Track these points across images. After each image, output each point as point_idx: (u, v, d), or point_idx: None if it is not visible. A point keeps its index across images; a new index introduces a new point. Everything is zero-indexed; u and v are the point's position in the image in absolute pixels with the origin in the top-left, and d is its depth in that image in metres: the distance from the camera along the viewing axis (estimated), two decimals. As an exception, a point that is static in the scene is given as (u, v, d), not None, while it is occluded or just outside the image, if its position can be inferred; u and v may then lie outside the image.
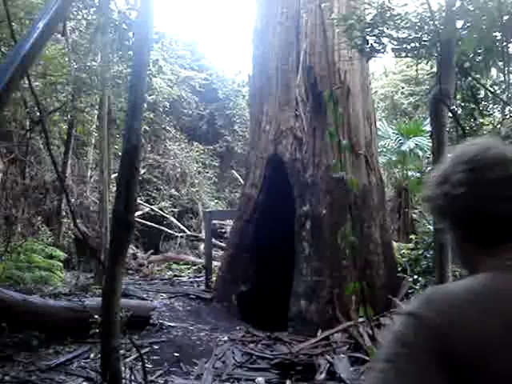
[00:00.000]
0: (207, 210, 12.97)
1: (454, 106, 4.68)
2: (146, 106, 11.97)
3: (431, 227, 6.59)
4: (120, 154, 3.42)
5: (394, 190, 12.54)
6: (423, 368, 0.71)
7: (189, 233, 13.79)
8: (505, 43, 3.87)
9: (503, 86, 5.32)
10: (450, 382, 0.69)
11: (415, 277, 6.07)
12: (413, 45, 3.89)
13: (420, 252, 6.55)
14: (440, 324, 0.73)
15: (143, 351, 4.51)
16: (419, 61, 4.18)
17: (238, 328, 5.70)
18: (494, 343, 0.71)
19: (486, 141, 0.91)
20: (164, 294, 7.50)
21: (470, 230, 0.86)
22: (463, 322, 0.73)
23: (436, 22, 3.52)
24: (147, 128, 13.64)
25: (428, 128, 10.18)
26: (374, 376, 0.75)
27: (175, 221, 14.05)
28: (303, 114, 6.19)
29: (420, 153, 10.90)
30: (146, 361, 4.07)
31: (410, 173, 11.25)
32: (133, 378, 3.59)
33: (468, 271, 0.87)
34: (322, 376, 4.13)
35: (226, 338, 5.25)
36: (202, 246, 12.83)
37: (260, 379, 4.12)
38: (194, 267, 11.24)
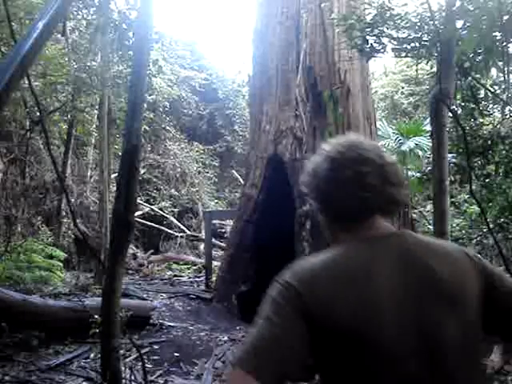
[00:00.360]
0: (207, 210, 12.98)
1: (454, 106, 4.68)
2: (145, 105, 11.97)
3: (431, 227, 6.59)
4: (120, 154, 3.42)
5: (394, 190, 12.52)
6: (288, 320, 0.97)
7: (189, 233, 13.80)
8: (505, 43, 3.87)
9: (503, 86, 5.32)
10: (308, 329, 0.96)
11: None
12: (413, 45, 3.89)
13: (420, 252, 6.53)
14: (300, 290, 0.99)
15: (143, 351, 4.51)
16: (419, 61, 4.18)
17: (237, 328, 5.70)
18: (336, 300, 0.96)
19: (349, 140, 1.13)
20: (164, 294, 7.51)
21: (333, 214, 1.13)
22: (316, 287, 0.99)
23: (436, 22, 3.52)
24: (147, 128, 13.64)
25: (428, 128, 10.18)
26: (253, 330, 0.98)
27: (175, 221, 14.05)
28: (303, 114, 6.19)
29: (420, 153, 10.89)
30: (146, 361, 4.07)
31: (410, 173, 11.25)
32: (133, 378, 3.58)
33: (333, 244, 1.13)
34: (322, 376, 4.13)
35: (225, 338, 5.25)
36: (201, 246, 12.84)
37: (260, 379, 4.11)
38: (194, 267, 11.24)
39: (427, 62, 4.21)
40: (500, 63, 4.24)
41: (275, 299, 1.01)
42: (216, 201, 15.94)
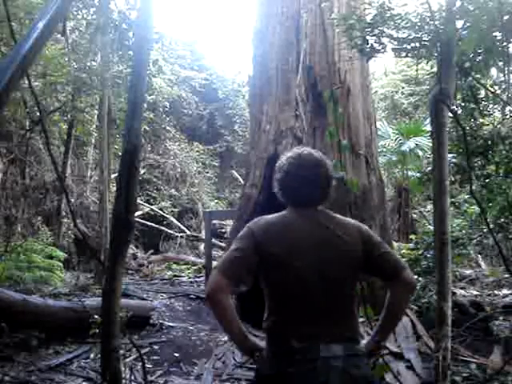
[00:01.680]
0: (207, 210, 12.97)
1: (454, 106, 4.67)
2: (145, 105, 11.97)
3: (431, 227, 6.59)
4: (120, 154, 3.42)
5: (394, 190, 12.54)
6: (248, 251, 1.67)
7: (189, 233, 13.79)
8: (505, 43, 3.87)
9: (503, 86, 5.32)
10: (256, 254, 1.67)
11: (415, 277, 6.07)
12: (413, 45, 3.89)
13: (420, 252, 6.53)
14: (258, 234, 1.70)
15: (143, 351, 4.51)
16: (419, 61, 4.17)
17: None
18: (274, 240, 1.67)
19: (299, 151, 1.85)
20: (164, 294, 7.50)
21: (286, 196, 1.84)
22: (264, 231, 1.71)
23: (436, 22, 3.51)
24: (147, 128, 13.63)
25: (428, 128, 10.18)
26: (229, 251, 1.71)
27: (175, 221, 14.05)
28: (303, 114, 6.19)
29: (420, 153, 10.89)
30: (145, 361, 4.07)
31: (410, 173, 11.25)
32: (133, 378, 3.59)
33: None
34: (322, 376, 4.13)
35: (225, 339, 5.25)
36: (201, 246, 12.83)
37: (260, 379, 4.11)
38: (194, 267, 11.23)
39: (427, 62, 4.21)
40: (500, 63, 4.24)
41: (242, 236, 1.74)
42: (216, 201, 15.93)
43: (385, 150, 11.32)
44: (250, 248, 1.68)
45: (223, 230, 12.41)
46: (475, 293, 7.36)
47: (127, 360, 4.16)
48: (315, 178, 1.79)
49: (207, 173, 16.61)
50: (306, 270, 1.65)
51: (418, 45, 3.85)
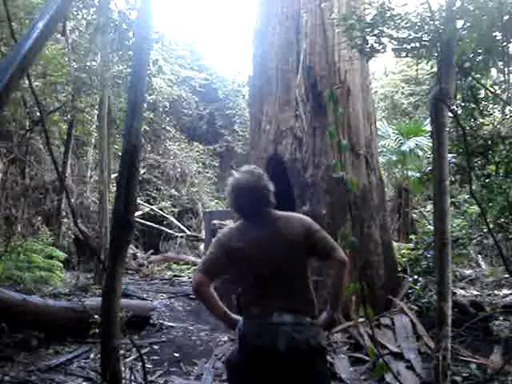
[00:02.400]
0: (207, 210, 12.96)
1: (454, 106, 4.67)
2: (145, 105, 11.97)
3: (431, 227, 6.59)
4: (120, 154, 3.42)
5: (394, 190, 12.54)
6: (218, 253, 2.32)
7: (189, 233, 13.79)
8: (505, 43, 3.87)
9: (503, 86, 5.32)
10: (226, 255, 2.29)
11: (415, 277, 6.06)
12: (413, 45, 3.88)
13: (420, 252, 6.53)
14: (224, 240, 2.35)
15: (143, 351, 4.51)
16: (419, 61, 4.17)
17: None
18: (235, 243, 2.28)
19: (239, 175, 2.39)
20: (164, 294, 7.51)
21: (239, 213, 2.40)
22: (228, 238, 2.35)
23: (436, 22, 3.51)
24: (147, 128, 13.64)
25: (428, 128, 10.18)
26: (206, 254, 2.39)
27: (175, 221, 14.04)
28: (303, 114, 6.19)
29: (420, 153, 10.89)
30: (145, 361, 4.07)
31: (410, 173, 11.24)
32: (133, 378, 3.59)
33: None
34: (322, 376, 4.13)
35: (225, 338, 5.25)
36: (201, 246, 12.83)
37: (260, 379, 4.11)
38: (194, 267, 11.22)
39: (427, 62, 4.21)
40: (500, 63, 4.24)
41: (213, 243, 2.39)
42: (216, 201, 15.93)
43: (385, 149, 11.32)
44: (220, 251, 2.32)
45: (223, 230, 12.37)
46: (475, 293, 7.36)
47: (127, 360, 4.16)
48: (254, 197, 2.34)
49: (207, 173, 16.61)
50: (260, 261, 2.27)
51: (417, 45, 3.85)
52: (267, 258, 2.27)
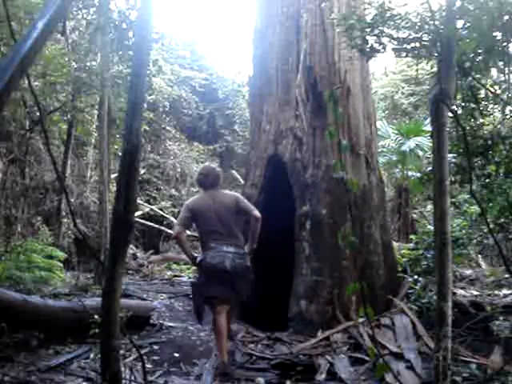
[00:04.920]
0: (207, 210, 12.92)
1: (454, 106, 4.67)
2: (145, 105, 11.96)
3: (431, 227, 6.59)
4: (120, 154, 3.42)
5: (394, 190, 12.55)
6: (187, 213, 4.40)
7: (189, 233, 13.76)
8: (505, 43, 3.87)
9: (503, 86, 5.32)
10: (191, 214, 4.40)
11: (415, 277, 6.07)
12: (413, 45, 3.88)
13: (420, 252, 6.54)
14: (190, 204, 4.46)
15: (143, 351, 4.51)
16: (419, 61, 4.18)
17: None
18: (196, 206, 4.41)
19: (204, 166, 5.33)
20: (164, 294, 7.50)
21: (200, 186, 4.65)
22: (194, 203, 4.47)
23: (436, 22, 3.51)
24: (147, 128, 13.64)
25: (428, 128, 10.19)
26: (180, 215, 4.54)
27: (175, 221, 14.01)
28: (303, 114, 6.18)
29: (420, 153, 10.90)
30: (145, 361, 4.06)
31: (410, 173, 11.25)
32: (133, 378, 3.58)
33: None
34: (323, 376, 4.13)
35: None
36: (202, 246, 12.79)
37: (260, 379, 4.11)
38: (195, 267, 11.21)
39: (427, 62, 4.21)
40: (500, 63, 4.24)
41: (184, 207, 4.47)
42: (216, 201, 15.89)
43: (385, 149, 11.32)
44: (188, 212, 4.36)
45: (223, 230, 12.37)
46: (475, 293, 7.35)
47: (127, 360, 4.16)
48: (210, 178, 4.48)
49: (207, 173, 16.55)
50: (211, 216, 4.26)
51: (418, 45, 3.85)
52: (214, 214, 4.29)
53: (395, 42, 3.92)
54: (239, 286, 4.24)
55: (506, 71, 4.76)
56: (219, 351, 4.18)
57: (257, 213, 4.26)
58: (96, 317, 3.10)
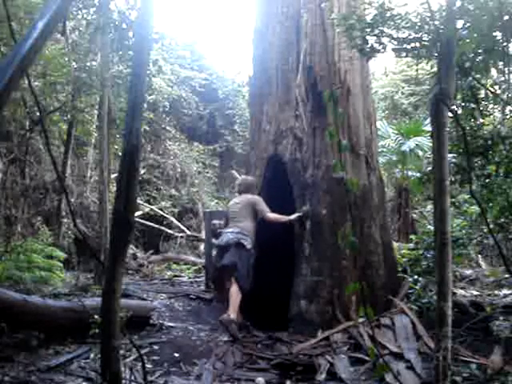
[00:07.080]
0: (207, 210, 12.95)
1: (454, 106, 4.68)
2: (145, 105, 11.96)
3: (431, 227, 6.59)
4: (120, 154, 3.42)
5: (394, 190, 12.55)
6: (228, 208, 6.46)
7: (189, 233, 13.78)
8: (505, 43, 3.87)
9: (503, 86, 5.32)
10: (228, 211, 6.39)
11: (415, 277, 6.07)
12: (413, 45, 3.88)
13: (420, 252, 6.54)
14: (229, 203, 6.46)
15: (143, 351, 4.51)
16: (419, 61, 4.18)
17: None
18: (230, 204, 6.37)
19: (241, 177, 6.65)
20: (164, 294, 7.49)
21: (236, 191, 6.42)
22: (230, 203, 6.36)
23: (436, 22, 3.51)
24: (147, 128, 13.64)
25: (428, 128, 10.18)
26: None
27: (175, 221, 14.04)
28: (303, 114, 6.18)
29: (420, 153, 10.89)
30: (146, 361, 4.06)
31: (410, 173, 11.25)
32: (133, 378, 3.58)
33: None
34: (323, 376, 4.13)
35: (226, 339, 5.25)
36: (202, 246, 12.83)
37: (260, 379, 4.11)
38: (194, 267, 11.23)
39: (427, 62, 4.21)
40: (500, 63, 4.24)
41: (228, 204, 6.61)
42: (216, 201, 15.93)
43: (385, 149, 11.32)
44: (228, 207, 6.34)
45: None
46: (475, 293, 7.36)
47: (127, 360, 4.16)
48: (242, 186, 6.11)
49: (207, 173, 16.61)
50: (234, 211, 5.92)
51: (418, 45, 3.85)
52: (236, 209, 5.85)
53: (395, 42, 3.92)
54: (231, 253, 5.54)
55: (506, 71, 4.76)
56: (230, 308, 5.35)
57: (267, 215, 5.71)
58: (96, 317, 3.10)
